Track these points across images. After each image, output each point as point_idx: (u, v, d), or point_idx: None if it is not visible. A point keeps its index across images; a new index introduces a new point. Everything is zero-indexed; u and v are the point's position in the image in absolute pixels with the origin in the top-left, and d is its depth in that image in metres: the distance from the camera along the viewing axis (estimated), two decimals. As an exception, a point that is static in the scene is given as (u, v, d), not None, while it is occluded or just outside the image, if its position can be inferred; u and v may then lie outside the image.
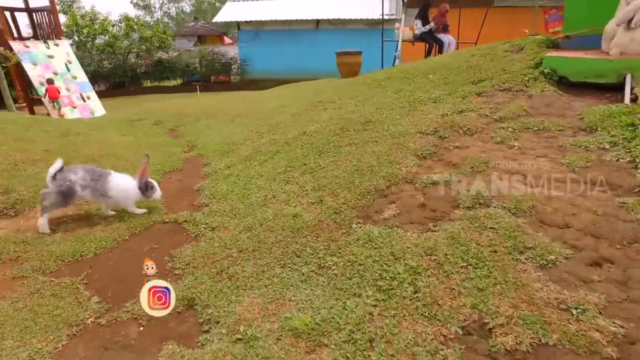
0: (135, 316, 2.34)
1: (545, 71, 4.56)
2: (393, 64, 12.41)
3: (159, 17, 37.37)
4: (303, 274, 2.52)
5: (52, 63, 14.59)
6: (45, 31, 15.40)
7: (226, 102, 8.61)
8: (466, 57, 6.06)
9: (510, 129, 3.79)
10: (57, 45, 15.13)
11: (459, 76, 5.47)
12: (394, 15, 18.65)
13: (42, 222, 3.30)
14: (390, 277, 2.31)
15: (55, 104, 13.61)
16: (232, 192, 3.99)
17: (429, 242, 2.51)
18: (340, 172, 3.69)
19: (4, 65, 11.55)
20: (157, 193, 3.68)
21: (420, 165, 3.52)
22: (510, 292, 2.01)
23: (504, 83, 4.81)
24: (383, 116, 4.81)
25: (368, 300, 2.18)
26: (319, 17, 20.07)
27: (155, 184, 3.66)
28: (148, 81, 20.56)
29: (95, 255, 3.03)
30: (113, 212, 3.69)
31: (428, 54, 12.17)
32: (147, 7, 37.15)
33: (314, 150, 4.36)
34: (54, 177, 3.23)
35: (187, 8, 39.71)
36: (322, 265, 2.56)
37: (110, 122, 7.38)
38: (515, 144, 3.52)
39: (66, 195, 3.28)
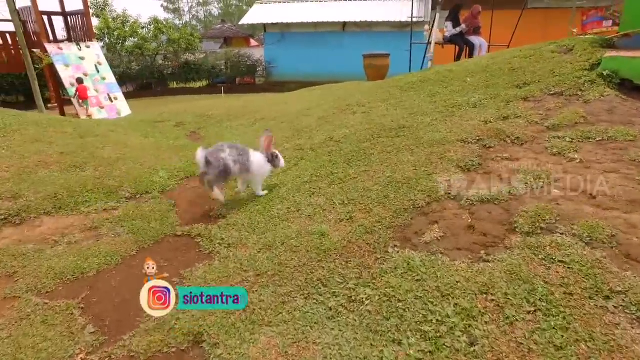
0: (132, 354, 1.97)
1: (605, 73, 4.01)
2: (422, 67, 11.90)
3: (188, 20, 37.72)
4: (330, 309, 2.09)
5: (83, 64, 14.69)
6: (78, 34, 15.60)
7: (250, 104, 8.29)
8: (507, 59, 5.53)
9: (567, 139, 3.27)
10: (88, 47, 15.24)
11: (501, 79, 4.95)
12: (422, 17, 18.07)
13: (217, 194, 3.45)
14: (438, 320, 1.86)
15: (83, 104, 13.66)
16: (252, 202, 3.61)
17: (483, 277, 2.05)
18: (373, 184, 3.25)
19: (37, 66, 11.59)
20: (282, 161, 3.78)
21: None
22: (602, 356, 1.54)
23: (553, 87, 4.29)
24: (418, 121, 4.35)
25: (411, 351, 1.74)
26: (346, 20, 19.64)
27: (278, 153, 3.74)
28: (175, 82, 20.56)
29: (97, 272, 2.68)
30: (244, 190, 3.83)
31: (458, 57, 11.61)
32: (176, 11, 37.56)
33: (343, 158, 3.94)
34: (207, 160, 3.33)
35: (215, 11, 40.06)
36: (353, 298, 2.13)
37: (131, 124, 7.14)
38: (576, 156, 3.01)
39: (225, 172, 3.40)
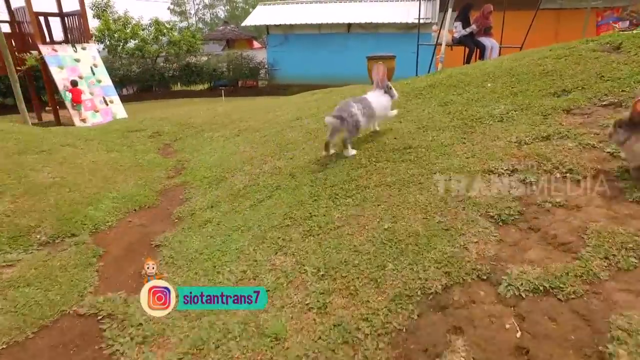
0: None
1: (684, 78, 2.89)
2: (429, 70, 10.77)
3: (194, 22, 36.59)
4: None
5: (78, 66, 13.81)
6: (75, 35, 14.72)
7: (238, 111, 7.21)
8: (535, 60, 4.39)
9: (651, 176, 2.16)
10: (84, 48, 14.33)
11: (531, 85, 3.83)
12: (429, 19, 16.90)
13: (351, 152, 3.34)
14: None
15: (77, 107, 12.77)
16: (202, 255, 2.55)
17: None
18: (363, 241, 2.16)
19: (19, 68, 10.64)
20: (395, 92, 3.70)
21: (500, 239, 1.94)
22: None
23: (606, 95, 3.16)
24: (428, 139, 3.25)
25: None
26: (351, 21, 18.47)
27: (389, 83, 3.64)
28: (177, 85, 19.55)
29: None
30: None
31: (468, 59, 10.56)
32: (182, 13, 36.35)
33: (327, 191, 2.86)
34: (342, 119, 3.22)
35: (222, 14, 38.63)
36: None
37: (102, 133, 6.12)
38: (675, 207, 1.90)
39: (357, 127, 3.32)
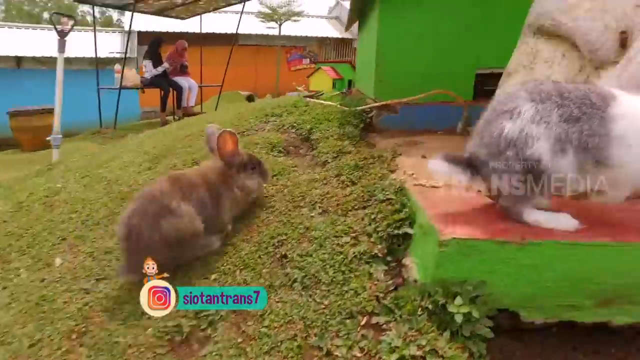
0: None
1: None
2: (115, 123, 8.09)
3: None
4: None
5: None
6: None
7: None
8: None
9: None
10: None
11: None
12: (128, 54, 13.75)
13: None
14: None
15: None
16: None
17: None
18: None
19: None
20: None
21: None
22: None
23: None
24: None
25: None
26: (20, 54, 13.25)
27: None
28: None
29: None
30: None
31: (164, 103, 8.51)
32: None
33: None
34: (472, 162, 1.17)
35: None
36: None
37: None
38: None
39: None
